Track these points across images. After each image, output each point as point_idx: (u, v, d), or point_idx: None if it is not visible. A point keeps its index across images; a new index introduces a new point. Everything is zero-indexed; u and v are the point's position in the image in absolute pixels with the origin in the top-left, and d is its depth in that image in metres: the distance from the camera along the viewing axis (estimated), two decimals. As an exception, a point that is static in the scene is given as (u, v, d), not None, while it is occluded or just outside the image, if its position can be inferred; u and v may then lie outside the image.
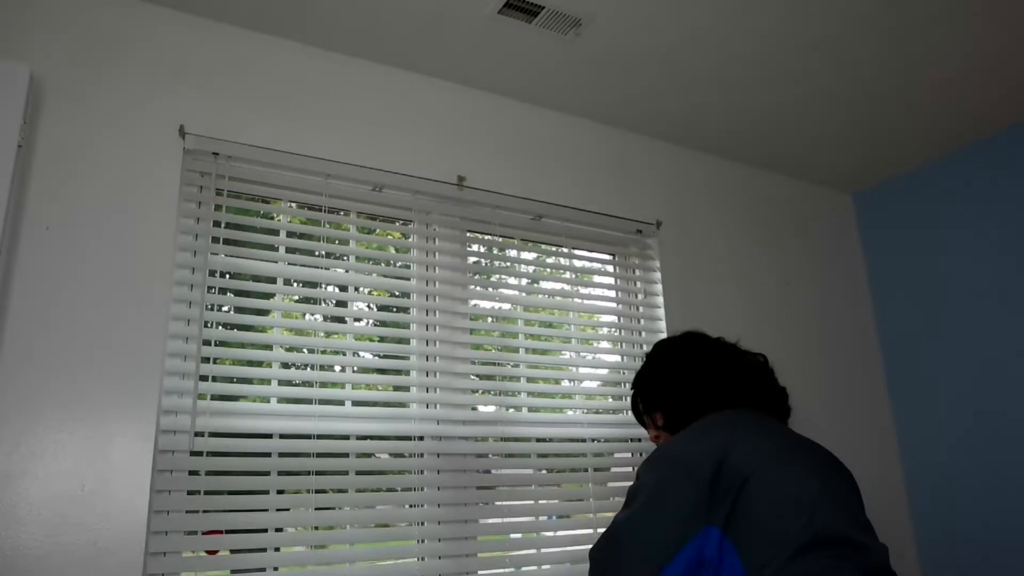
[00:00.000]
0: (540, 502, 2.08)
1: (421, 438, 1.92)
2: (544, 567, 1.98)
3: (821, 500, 0.95)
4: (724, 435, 1.04)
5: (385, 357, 1.99)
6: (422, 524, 1.86)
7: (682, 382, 1.28)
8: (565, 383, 2.23)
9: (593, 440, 2.17)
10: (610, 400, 2.36)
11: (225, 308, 1.81)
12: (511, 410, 2.07)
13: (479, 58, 2.12)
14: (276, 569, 1.67)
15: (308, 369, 1.82)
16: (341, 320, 2.02)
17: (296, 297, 1.96)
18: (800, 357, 2.69)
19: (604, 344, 2.36)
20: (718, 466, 0.98)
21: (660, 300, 2.41)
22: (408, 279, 2.09)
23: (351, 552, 1.78)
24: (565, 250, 2.34)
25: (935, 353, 2.72)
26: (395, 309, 2.15)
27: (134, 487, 1.52)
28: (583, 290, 2.34)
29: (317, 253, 1.92)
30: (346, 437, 1.81)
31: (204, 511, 1.61)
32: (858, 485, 1.07)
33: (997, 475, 2.47)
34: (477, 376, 2.08)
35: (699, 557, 0.93)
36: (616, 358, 2.38)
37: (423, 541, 1.87)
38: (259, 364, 1.81)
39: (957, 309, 2.67)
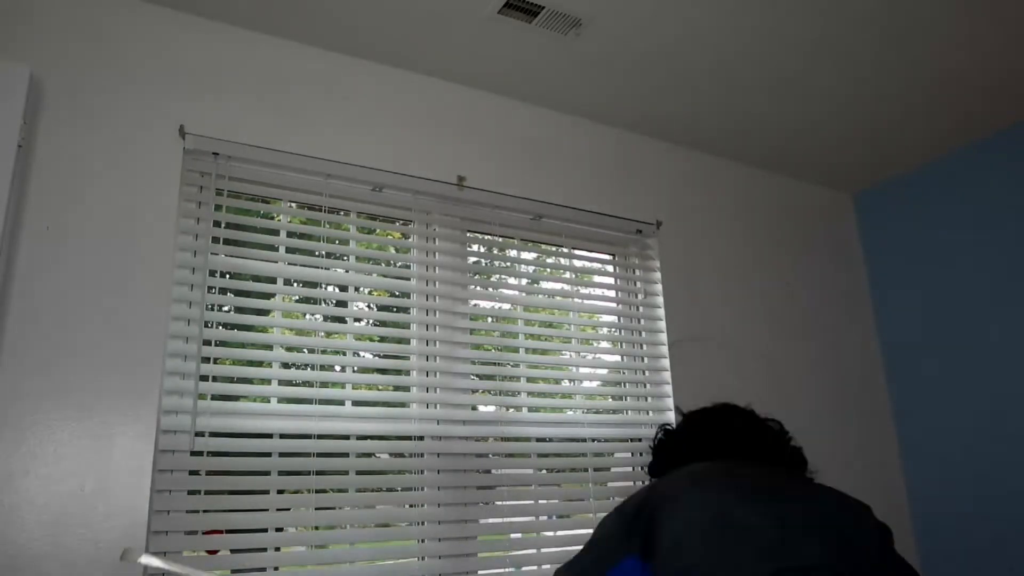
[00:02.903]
0: (540, 502, 2.08)
1: (421, 438, 1.92)
2: (544, 567, 1.98)
3: (764, 534, 0.91)
4: (669, 477, 1.08)
5: (385, 357, 2.00)
6: (422, 524, 1.86)
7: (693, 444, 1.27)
8: (565, 383, 2.23)
9: (593, 440, 2.17)
10: (610, 400, 2.36)
11: (225, 308, 1.81)
12: (511, 410, 2.07)
13: (479, 58, 2.11)
14: (276, 569, 1.68)
15: (308, 369, 1.82)
16: (341, 320, 2.02)
17: (296, 297, 1.96)
18: (800, 358, 2.69)
19: (604, 344, 2.36)
20: (644, 502, 1.01)
21: (660, 300, 2.41)
22: (408, 279, 2.09)
23: (351, 552, 1.78)
24: (565, 250, 2.34)
25: (935, 353, 2.72)
26: (395, 309, 2.15)
27: (134, 487, 1.52)
28: (583, 290, 2.34)
29: (317, 253, 1.92)
30: (346, 437, 1.81)
31: (204, 511, 1.61)
32: (863, 513, 0.99)
33: (998, 476, 2.47)
34: (477, 376, 2.08)
35: None
36: (616, 358, 2.38)
37: (423, 541, 1.87)
38: (259, 364, 1.81)
39: (957, 309, 2.67)
